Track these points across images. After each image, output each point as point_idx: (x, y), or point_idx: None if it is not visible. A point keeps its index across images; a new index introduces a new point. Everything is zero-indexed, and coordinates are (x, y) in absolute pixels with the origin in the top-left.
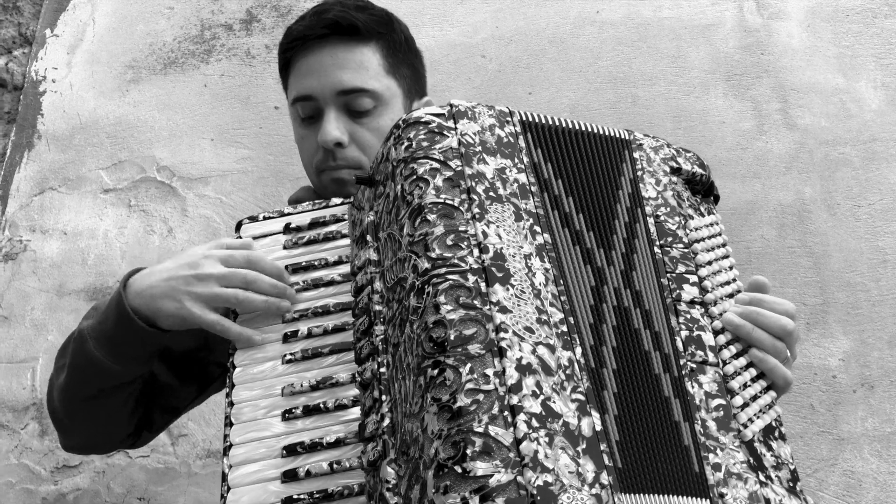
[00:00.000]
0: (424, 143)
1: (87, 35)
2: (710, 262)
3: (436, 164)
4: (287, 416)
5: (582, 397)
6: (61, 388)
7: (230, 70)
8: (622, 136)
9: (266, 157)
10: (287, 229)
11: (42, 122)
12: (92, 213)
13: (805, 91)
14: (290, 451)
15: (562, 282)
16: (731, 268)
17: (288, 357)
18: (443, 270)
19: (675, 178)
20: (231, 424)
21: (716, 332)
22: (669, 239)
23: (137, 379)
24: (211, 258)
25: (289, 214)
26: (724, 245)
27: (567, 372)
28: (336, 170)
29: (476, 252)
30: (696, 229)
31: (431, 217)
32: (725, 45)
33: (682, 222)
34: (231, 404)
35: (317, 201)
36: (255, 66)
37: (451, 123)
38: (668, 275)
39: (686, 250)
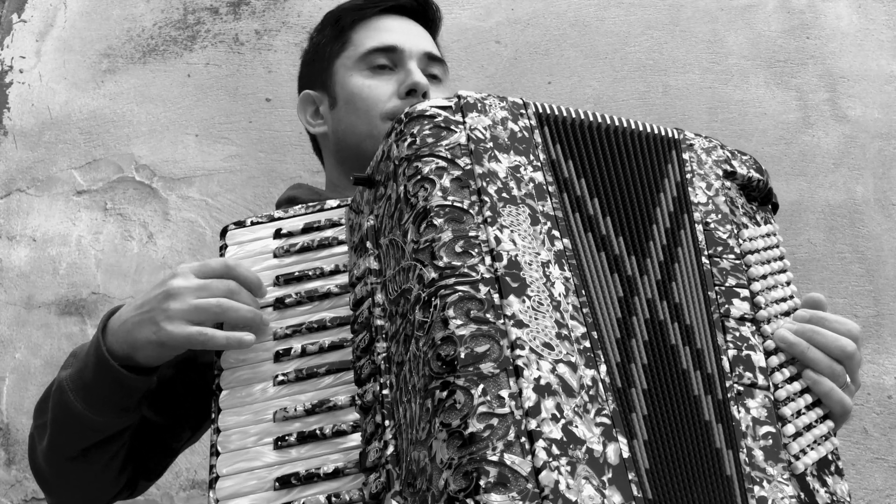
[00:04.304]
0: (430, 140)
1: (58, 20)
2: (764, 276)
3: (442, 163)
4: (280, 443)
5: (607, 421)
6: (45, 449)
7: (216, 58)
8: (669, 135)
9: (257, 155)
10: (278, 235)
11: (8, 116)
12: (64, 217)
13: (856, 79)
14: (284, 482)
15: (584, 292)
16: (788, 283)
17: (280, 378)
18: (451, 281)
19: (728, 183)
20: (217, 454)
21: (767, 353)
22: (719, 249)
23: (126, 430)
24: (183, 272)
25: (279, 219)
26: (781, 258)
27: (590, 393)
28: None
29: (488, 260)
30: (751, 239)
31: (438, 221)
32: (767, 29)
33: (735, 231)
34: (217, 431)
35: (310, 204)
36: (244, 53)
37: (458, 117)
38: (717, 288)
39: (738, 262)
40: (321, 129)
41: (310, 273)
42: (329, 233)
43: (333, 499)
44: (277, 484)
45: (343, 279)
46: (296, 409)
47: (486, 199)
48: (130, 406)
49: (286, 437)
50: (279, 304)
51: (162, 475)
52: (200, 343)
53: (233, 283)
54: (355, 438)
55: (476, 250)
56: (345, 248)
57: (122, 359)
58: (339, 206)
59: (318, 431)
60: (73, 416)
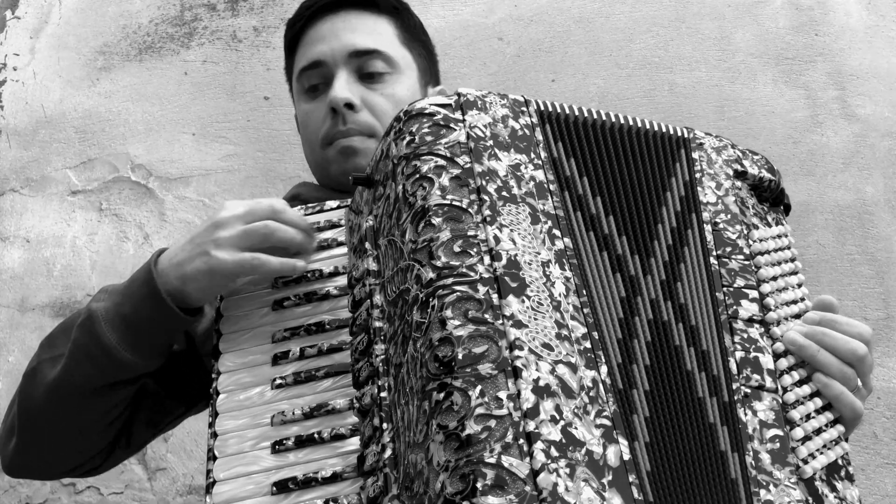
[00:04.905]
0: (429, 138)
1: (52, 17)
2: (774, 278)
3: (441, 161)
4: (277, 447)
5: (608, 422)
6: (53, 380)
7: (214, 56)
8: (678, 134)
9: (255, 154)
10: None
11: (2, 115)
12: (58, 217)
13: (866, 77)
14: (282, 487)
15: (585, 292)
16: (799, 285)
17: (278, 381)
18: (449, 281)
19: (738, 183)
20: (214, 458)
21: (776, 356)
22: (728, 249)
23: (142, 377)
24: (230, 203)
25: None
26: (792, 260)
27: (591, 394)
28: (346, 136)
29: (487, 259)
30: (761, 240)
31: (436, 221)
32: (775, 25)
33: (745, 232)
34: (214, 435)
35: (310, 205)
36: (242, 51)
37: (458, 115)
38: (725, 289)
39: (747, 263)
40: None
41: (308, 275)
42: (328, 234)
43: (331, 503)
44: (275, 488)
45: (342, 281)
46: (294, 413)
47: (486, 197)
48: (164, 346)
49: (284, 441)
50: (277, 306)
51: (139, 450)
52: (253, 267)
53: (278, 205)
54: (354, 442)
55: (475, 250)
56: (344, 249)
57: (172, 294)
58: (338, 207)
59: (316, 435)
60: (102, 348)
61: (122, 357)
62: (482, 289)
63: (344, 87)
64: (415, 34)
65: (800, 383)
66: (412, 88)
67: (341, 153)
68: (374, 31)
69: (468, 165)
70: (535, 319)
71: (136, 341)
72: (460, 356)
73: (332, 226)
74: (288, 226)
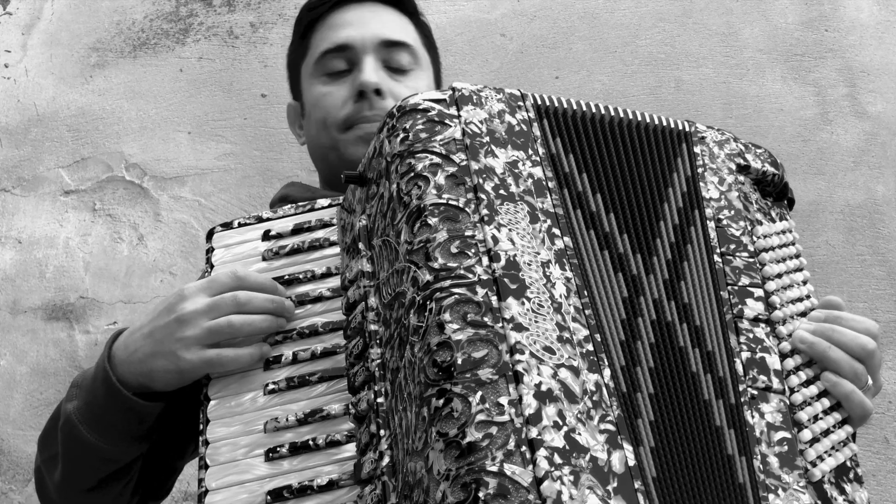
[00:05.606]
0: (423, 135)
1: (44, 13)
2: (779, 275)
3: (437, 159)
4: (271, 455)
5: (612, 427)
6: (59, 483)
7: (210, 52)
8: (679, 128)
9: (252, 153)
10: (266, 237)
11: None
12: (51, 218)
13: (876, 73)
14: (276, 496)
15: (586, 293)
16: (804, 282)
17: (271, 387)
18: (447, 283)
19: (741, 178)
20: (206, 467)
21: (783, 356)
22: (732, 246)
23: (141, 456)
24: (189, 292)
25: (268, 220)
26: (797, 256)
27: (594, 398)
28: (370, 122)
29: (485, 260)
30: (765, 237)
31: (433, 221)
32: (784, 21)
33: (749, 228)
34: (206, 443)
35: (300, 203)
36: (239, 47)
37: (453, 111)
38: (729, 287)
39: (751, 260)
40: (303, 140)
41: (300, 276)
42: (320, 234)
43: None
44: (269, 497)
45: (335, 282)
46: (287, 419)
47: (483, 196)
48: (144, 433)
49: (278, 449)
50: None
51: (169, 493)
52: (222, 366)
53: (241, 294)
54: (350, 449)
55: (473, 251)
56: (337, 249)
57: (137, 388)
58: (330, 206)
59: (310, 442)
60: (87, 448)
61: (109, 452)
62: (481, 291)
63: (373, 72)
64: (430, 40)
65: (807, 383)
66: (431, 88)
67: (362, 138)
68: (402, 27)
69: (464, 163)
70: (536, 322)
71: (117, 436)
72: (459, 361)
73: (324, 225)
74: (257, 308)
